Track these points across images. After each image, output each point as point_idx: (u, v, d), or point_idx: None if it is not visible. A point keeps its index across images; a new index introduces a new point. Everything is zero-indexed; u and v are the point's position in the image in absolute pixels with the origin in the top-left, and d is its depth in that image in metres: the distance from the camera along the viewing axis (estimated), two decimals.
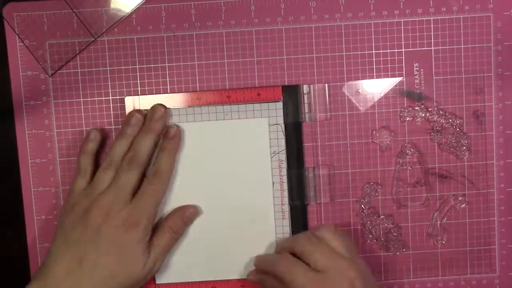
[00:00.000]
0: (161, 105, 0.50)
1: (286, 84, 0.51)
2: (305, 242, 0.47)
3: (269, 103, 0.50)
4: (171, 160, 0.49)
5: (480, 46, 0.51)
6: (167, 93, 0.51)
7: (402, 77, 0.51)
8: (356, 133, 0.51)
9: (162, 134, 0.50)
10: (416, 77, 0.51)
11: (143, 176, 0.48)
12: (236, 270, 0.51)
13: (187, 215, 0.50)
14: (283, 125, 0.50)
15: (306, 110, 0.51)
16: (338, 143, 0.51)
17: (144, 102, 0.50)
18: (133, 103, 0.50)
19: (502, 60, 0.51)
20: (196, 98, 0.50)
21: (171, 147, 0.49)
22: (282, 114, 0.50)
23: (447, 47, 0.51)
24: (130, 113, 0.49)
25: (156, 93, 0.51)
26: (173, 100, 0.50)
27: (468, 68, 0.51)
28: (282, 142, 0.51)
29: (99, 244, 0.46)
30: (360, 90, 0.51)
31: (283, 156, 0.51)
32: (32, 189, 0.52)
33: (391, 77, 0.51)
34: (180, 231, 0.50)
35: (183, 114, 0.50)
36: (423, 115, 0.50)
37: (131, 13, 0.51)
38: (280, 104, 0.50)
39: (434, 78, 0.51)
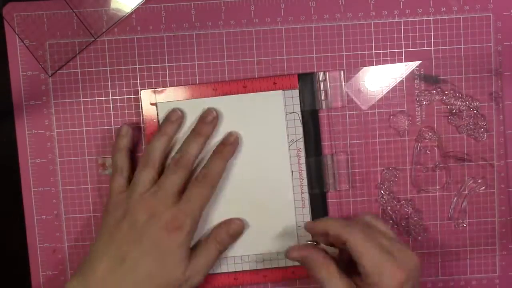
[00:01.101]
0: (214, 109, 0.50)
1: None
2: (362, 228, 0.44)
3: (285, 92, 0.50)
4: (224, 166, 0.48)
5: (480, 46, 0.51)
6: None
7: (419, 61, 0.51)
8: (372, 118, 0.51)
9: (222, 139, 0.49)
10: (416, 77, 0.51)
11: (188, 178, 0.48)
12: (258, 260, 0.51)
13: (232, 227, 0.49)
14: (300, 113, 0.50)
15: (323, 97, 0.51)
16: (355, 127, 0.51)
17: (160, 95, 0.50)
18: (149, 96, 0.50)
19: (502, 60, 0.51)
20: (212, 89, 0.50)
21: (227, 153, 0.49)
22: (298, 102, 0.50)
23: (447, 47, 0.51)
24: (172, 110, 0.49)
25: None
26: (189, 92, 0.50)
27: (468, 68, 0.51)
28: (300, 130, 0.51)
29: (142, 244, 0.45)
30: (375, 76, 0.51)
31: (301, 144, 0.51)
32: (32, 189, 0.52)
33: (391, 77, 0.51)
34: (226, 244, 0.49)
35: (200, 105, 0.50)
36: (439, 98, 0.50)
37: (131, 13, 0.51)
38: (296, 92, 0.50)
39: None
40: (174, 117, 0.49)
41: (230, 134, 0.49)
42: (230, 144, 0.49)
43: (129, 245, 0.45)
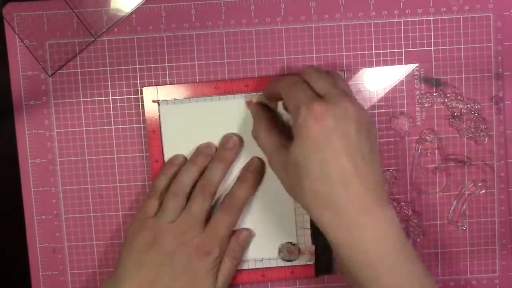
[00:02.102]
0: (235, 134, 0.50)
1: None
2: (310, 73, 0.44)
3: None
4: (249, 193, 0.49)
5: (480, 46, 0.51)
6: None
7: (418, 62, 0.51)
8: (372, 119, 0.51)
9: (245, 165, 0.50)
10: (416, 77, 0.51)
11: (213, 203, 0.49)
12: (257, 259, 0.51)
13: (241, 237, 0.49)
14: None
15: None
16: None
17: (163, 92, 0.50)
18: (151, 93, 0.50)
19: (502, 60, 0.51)
20: (214, 88, 0.50)
21: (253, 181, 0.49)
22: None
23: (447, 47, 0.51)
24: (205, 143, 0.50)
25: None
26: (191, 90, 0.50)
27: (468, 68, 0.51)
28: None
29: (172, 269, 0.46)
30: (375, 76, 0.51)
31: None
32: (32, 189, 0.52)
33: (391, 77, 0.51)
34: (239, 255, 0.49)
35: (200, 104, 0.50)
36: (441, 101, 0.50)
37: (131, 13, 0.51)
38: None
39: (434, 78, 0.51)
40: (207, 150, 0.50)
41: (254, 160, 0.50)
42: (257, 171, 0.49)
43: (159, 269, 0.46)
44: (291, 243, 0.51)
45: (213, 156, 0.49)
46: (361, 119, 0.41)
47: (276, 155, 0.44)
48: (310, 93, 0.42)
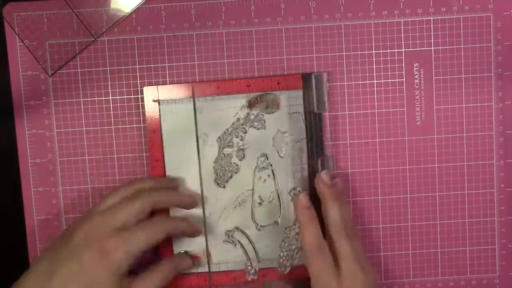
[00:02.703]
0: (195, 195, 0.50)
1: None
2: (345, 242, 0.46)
3: (289, 92, 0.50)
4: (155, 238, 0.46)
5: (480, 46, 0.51)
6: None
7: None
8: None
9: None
10: (416, 77, 0.51)
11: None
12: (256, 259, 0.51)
13: (182, 266, 0.49)
14: (303, 114, 0.50)
15: (326, 98, 0.51)
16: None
17: (163, 92, 0.50)
18: (152, 93, 0.50)
19: (502, 60, 0.51)
20: (215, 87, 0.50)
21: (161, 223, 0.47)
22: (302, 103, 0.50)
23: (447, 47, 0.51)
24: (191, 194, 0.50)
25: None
26: (192, 89, 0.50)
27: (468, 68, 0.51)
28: (303, 131, 0.51)
29: (72, 263, 0.44)
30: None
31: (304, 145, 0.51)
32: (32, 189, 0.52)
33: (391, 77, 0.51)
34: (170, 277, 0.47)
35: (201, 103, 0.50)
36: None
37: (131, 13, 0.51)
38: (300, 93, 0.50)
39: (434, 78, 0.51)
40: (171, 183, 0.50)
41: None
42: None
43: (60, 262, 0.44)
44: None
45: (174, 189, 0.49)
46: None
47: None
48: (330, 263, 0.46)
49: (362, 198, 0.52)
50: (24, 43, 0.51)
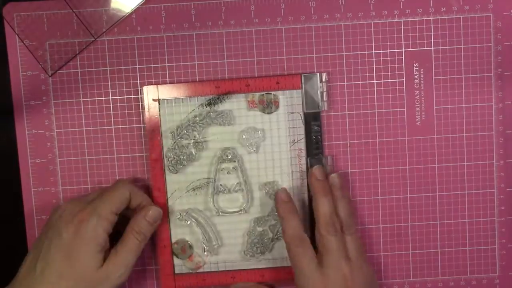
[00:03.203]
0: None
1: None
2: (332, 238, 0.47)
3: (288, 92, 0.50)
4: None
5: (480, 46, 0.51)
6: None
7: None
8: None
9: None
10: (416, 77, 0.51)
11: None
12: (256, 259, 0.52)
13: (150, 214, 0.48)
14: (302, 114, 0.50)
15: (325, 98, 0.51)
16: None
17: (163, 91, 0.50)
18: (152, 92, 0.50)
19: (502, 60, 0.51)
20: (215, 87, 0.50)
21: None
22: (301, 103, 0.50)
23: (447, 47, 0.51)
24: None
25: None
26: (192, 89, 0.50)
27: (468, 68, 0.51)
28: (301, 131, 0.51)
29: (51, 243, 0.45)
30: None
31: (302, 145, 0.51)
32: (32, 189, 0.52)
33: (391, 77, 0.51)
34: (145, 233, 0.48)
35: (201, 103, 0.50)
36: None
37: (131, 13, 0.51)
38: (299, 93, 0.50)
39: (434, 78, 0.51)
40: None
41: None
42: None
43: (44, 246, 0.45)
44: None
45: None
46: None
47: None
48: (311, 255, 0.47)
49: (362, 198, 0.52)
50: (24, 43, 0.51)
